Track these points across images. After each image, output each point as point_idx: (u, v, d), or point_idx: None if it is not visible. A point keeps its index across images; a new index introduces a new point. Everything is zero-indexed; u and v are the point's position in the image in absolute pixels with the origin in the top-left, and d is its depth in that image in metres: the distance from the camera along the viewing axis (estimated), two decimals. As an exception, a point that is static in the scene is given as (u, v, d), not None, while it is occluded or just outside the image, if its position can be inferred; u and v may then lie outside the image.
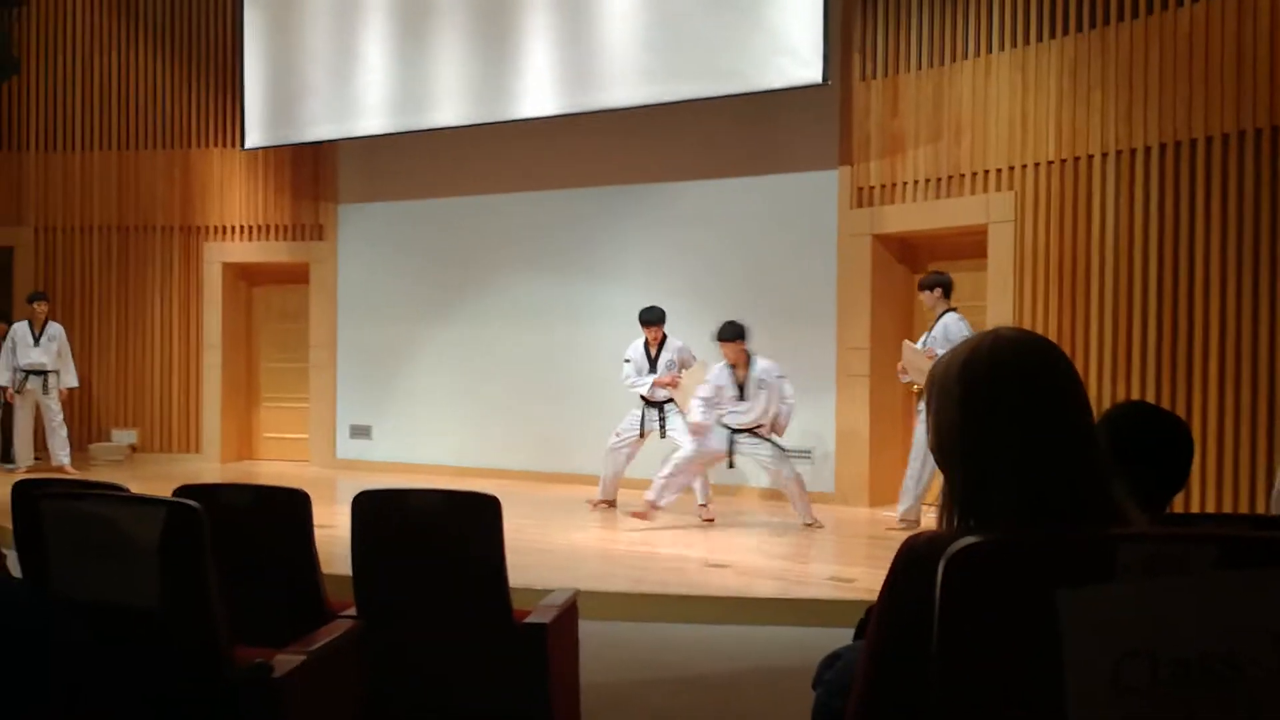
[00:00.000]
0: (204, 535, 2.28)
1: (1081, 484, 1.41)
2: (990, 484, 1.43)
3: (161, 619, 2.29)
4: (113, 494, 2.44)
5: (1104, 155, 6.87)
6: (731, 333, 7.02)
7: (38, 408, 9.68)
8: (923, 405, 6.91)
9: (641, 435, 7.66)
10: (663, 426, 7.59)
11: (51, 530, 2.33)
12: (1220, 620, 1.35)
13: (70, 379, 9.71)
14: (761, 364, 7.02)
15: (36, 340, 9.55)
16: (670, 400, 7.62)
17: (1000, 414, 1.43)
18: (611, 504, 7.86)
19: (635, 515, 7.13)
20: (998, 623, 1.34)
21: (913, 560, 1.42)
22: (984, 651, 1.34)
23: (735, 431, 7.01)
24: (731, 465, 7.13)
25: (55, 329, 9.66)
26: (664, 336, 7.71)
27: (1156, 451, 1.87)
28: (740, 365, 7.06)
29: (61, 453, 9.61)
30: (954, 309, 7.02)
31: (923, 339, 7.05)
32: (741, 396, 7.02)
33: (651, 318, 7.67)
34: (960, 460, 1.46)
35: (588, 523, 7.40)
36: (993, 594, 1.33)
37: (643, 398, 7.63)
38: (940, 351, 6.73)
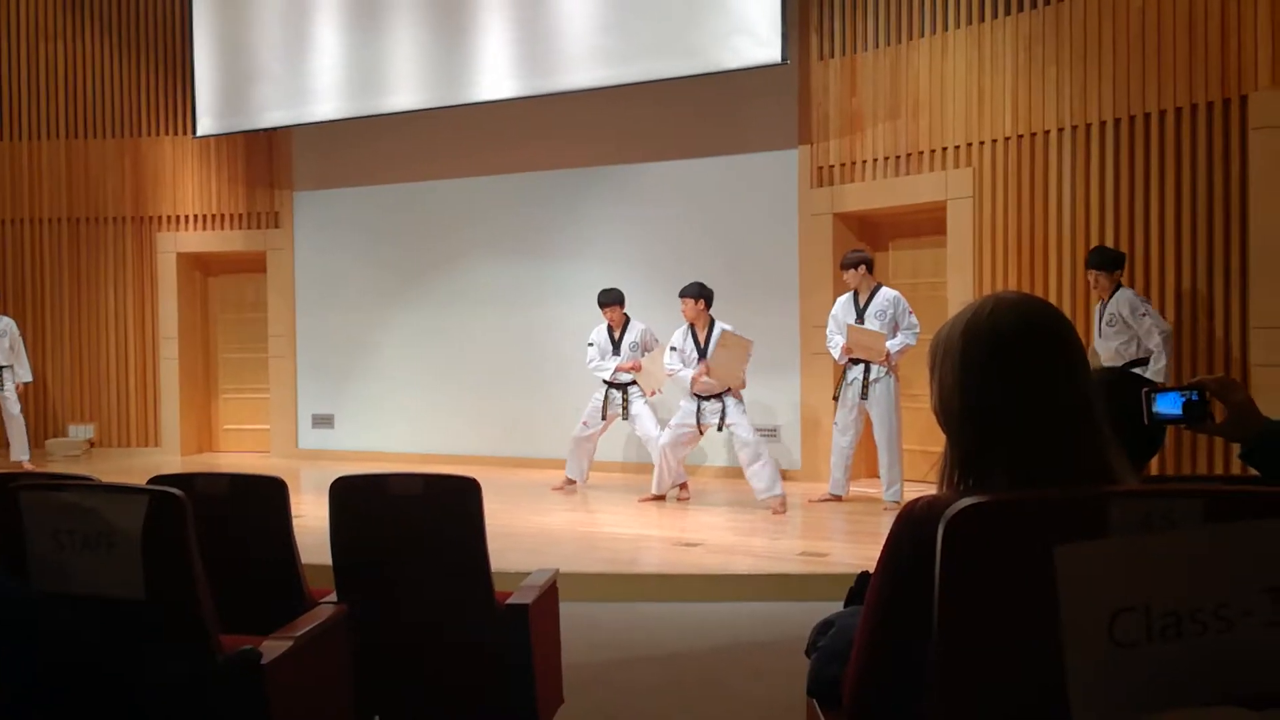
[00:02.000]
0: (188, 523, 2.26)
1: (1078, 445, 1.44)
2: (989, 445, 1.46)
3: (147, 608, 2.27)
4: (92, 484, 2.41)
5: (1060, 130, 6.96)
6: (693, 290, 7.09)
7: None
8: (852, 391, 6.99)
9: (604, 418, 7.68)
10: (625, 409, 7.61)
11: (31, 522, 2.30)
12: (1210, 573, 1.39)
13: (24, 374, 9.53)
14: (720, 325, 7.08)
15: None
16: (633, 383, 7.64)
17: (1000, 375, 1.45)
18: (574, 485, 7.91)
19: (645, 500, 7.39)
20: (997, 581, 1.36)
21: (911, 523, 1.45)
22: (984, 610, 1.37)
23: (702, 399, 7.06)
24: (721, 428, 7.10)
25: (5, 323, 9.46)
26: (626, 319, 7.71)
27: (1136, 414, 1.91)
28: (700, 326, 7.15)
29: (20, 450, 9.43)
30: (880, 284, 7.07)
31: (865, 319, 7.00)
32: (702, 357, 7.07)
33: (609, 299, 7.66)
34: (961, 421, 1.49)
35: (555, 506, 7.41)
36: (992, 553, 1.36)
37: (605, 381, 7.64)
38: (883, 328, 6.81)
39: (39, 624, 2.19)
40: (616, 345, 7.65)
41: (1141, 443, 1.95)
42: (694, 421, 7.13)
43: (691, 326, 7.21)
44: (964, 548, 1.35)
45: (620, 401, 7.61)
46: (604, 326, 7.74)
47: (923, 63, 7.60)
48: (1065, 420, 1.45)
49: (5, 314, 9.64)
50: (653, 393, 7.50)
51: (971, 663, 1.37)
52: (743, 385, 7.06)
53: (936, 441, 1.58)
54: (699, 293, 7.10)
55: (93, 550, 2.26)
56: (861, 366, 6.93)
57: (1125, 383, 2.00)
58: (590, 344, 7.75)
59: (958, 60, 7.43)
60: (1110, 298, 6.28)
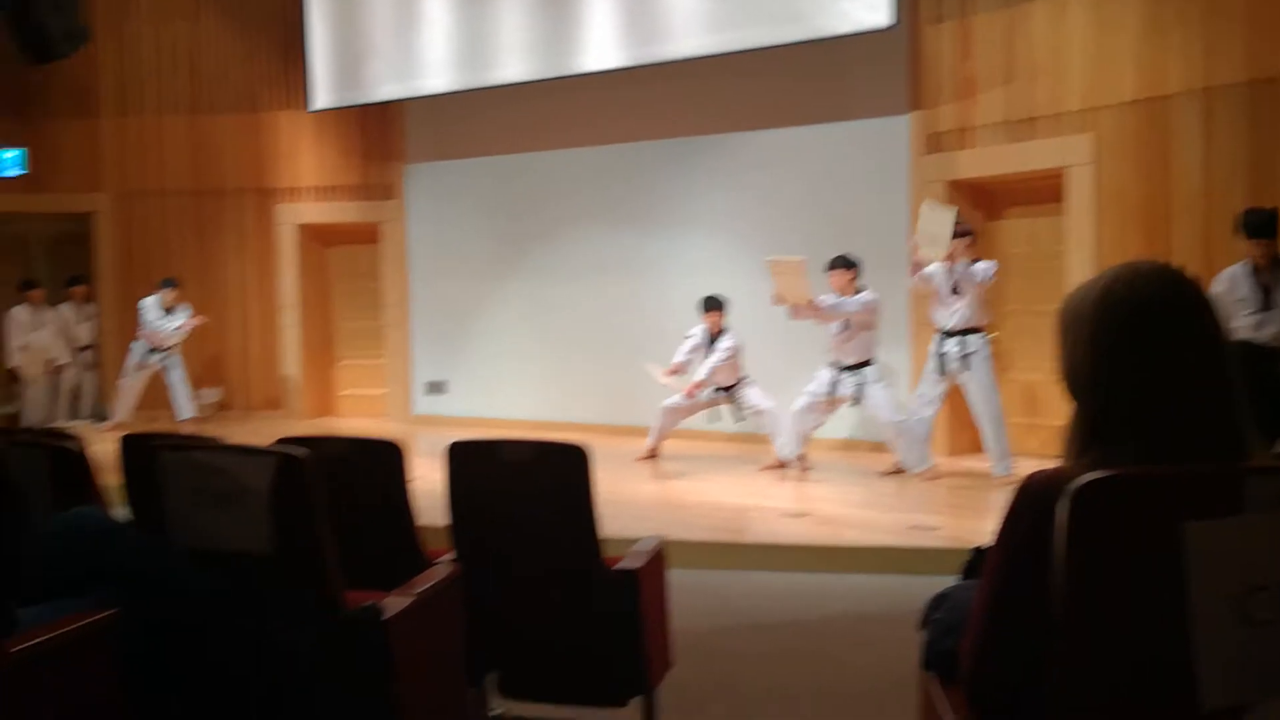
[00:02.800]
0: (314, 482, 2.35)
1: (1213, 418, 1.40)
2: (1120, 414, 1.43)
3: (275, 564, 2.37)
4: (223, 445, 2.52)
5: (1186, 93, 6.66)
6: (841, 262, 7.13)
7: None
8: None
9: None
10: (734, 410, 7.74)
11: (169, 480, 2.42)
12: (1351, 553, 1.34)
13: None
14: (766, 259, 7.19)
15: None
16: (734, 386, 7.70)
17: (1136, 343, 1.42)
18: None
19: (767, 469, 7.42)
20: (1122, 557, 1.34)
21: (1032, 497, 1.43)
22: (1107, 586, 1.34)
23: (840, 370, 7.09)
24: (856, 403, 7.10)
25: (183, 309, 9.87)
26: (722, 328, 7.70)
27: (1270, 387, 1.84)
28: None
29: (187, 408, 9.83)
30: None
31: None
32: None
33: (710, 305, 7.74)
34: (1091, 389, 1.46)
35: (661, 475, 7.46)
36: (1117, 528, 1.34)
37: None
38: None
39: (175, 577, 2.32)
40: (711, 348, 7.67)
41: (1274, 417, 1.88)
42: (828, 391, 7.09)
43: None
44: (1089, 523, 1.33)
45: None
46: (704, 328, 7.79)
47: (1040, 24, 7.34)
48: (1201, 392, 1.40)
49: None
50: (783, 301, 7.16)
51: (1094, 639, 1.35)
52: (809, 302, 6.91)
53: (1035, 414, 1.55)
54: (846, 264, 7.09)
55: (224, 508, 2.37)
56: (956, 340, 6.79)
57: (1257, 355, 1.93)
58: (689, 336, 7.82)
59: (1077, 20, 7.15)
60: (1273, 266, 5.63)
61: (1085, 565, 1.33)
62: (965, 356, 6.76)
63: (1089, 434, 1.46)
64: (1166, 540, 1.32)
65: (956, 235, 6.70)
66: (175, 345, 9.81)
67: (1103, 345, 1.44)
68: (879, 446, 7.53)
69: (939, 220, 6.63)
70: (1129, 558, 1.34)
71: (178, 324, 9.65)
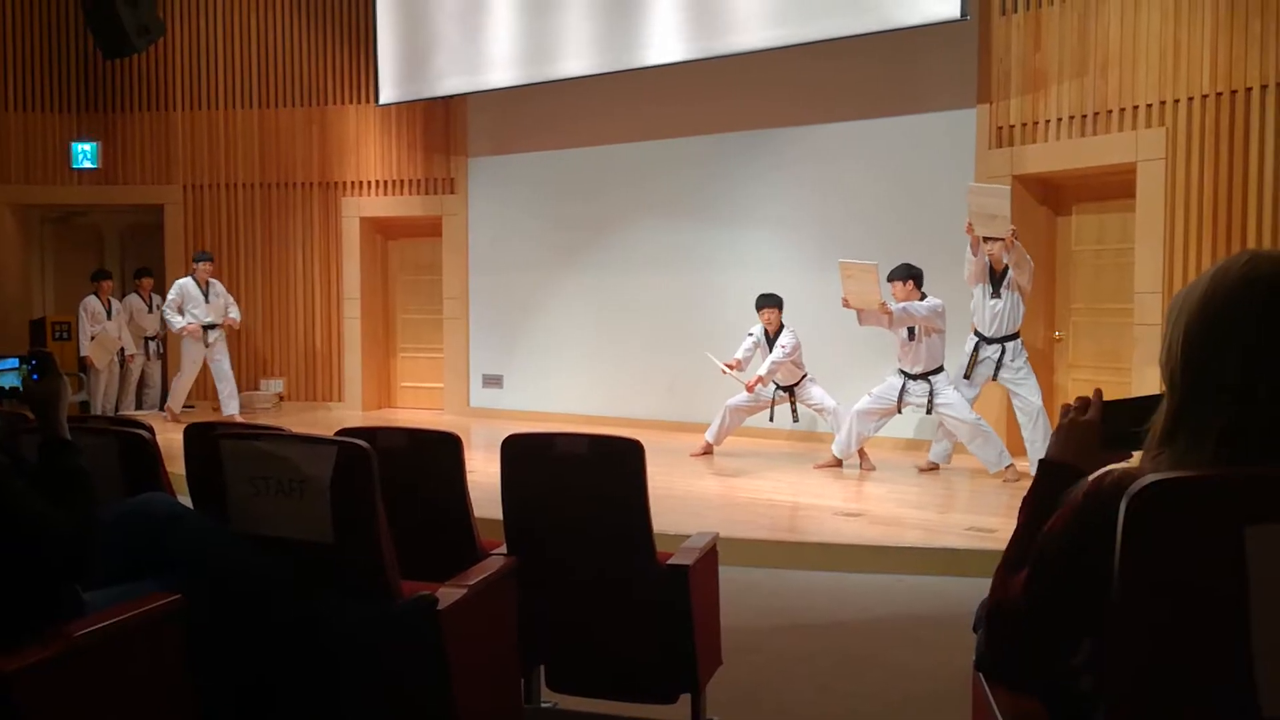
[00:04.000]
0: (373, 473, 2.38)
1: None
2: (1208, 407, 1.39)
3: (334, 552, 2.41)
4: (285, 435, 2.57)
5: (1264, 88, 6.48)
6: (901, 272, 7.12)
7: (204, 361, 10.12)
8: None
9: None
10: (794, 409, 7.75)
11: (230, 468, 2.47)
12: None
13: (235, 313, 10.14)
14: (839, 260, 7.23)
15: (206, 298, 9.96)
16: (796, 384, 7.72)
17: (1236, 334, 1.37)
18: (709, 451, 8.02)
19: (821, 467, 7.39)
20: (1180, 560, 1.31)
21: (1100, 498, 1.39)
22: (1164, 589, 1.31)
23: (909, 378, 7.06)
24: (929, 411, 7.09)
25: (218, 286, 10.08)
26: (781, 325, 7.67)
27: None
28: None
29: (230, 402, 10.05)
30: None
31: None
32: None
33: (766, 302, 7.71)
34: (1182, 377, 1.42)
35: (716, 471, 7.45)
36: (1176, 531, 1.30)
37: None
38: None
39: (239, 562, 2.37)
40: (770, 346, 7.63)
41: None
42: (895, 398, 7.07)
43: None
44: (1146, 525, 1.30)
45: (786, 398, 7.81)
46: (761, 327, 7.78)
47: (1113, 16, 7.18)
48: None
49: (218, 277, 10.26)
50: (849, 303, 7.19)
51: (1149, 643, 1.32)
52: (881, 305, 6.94)
53: None
54: (907, 274, 7.05)
55: (286, 496, 2.42)
56: (997, 346, 6.90)
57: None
58: (750, 334, 7.80)
59: (1152, 12, 6.98)
60: None
61: (1140, 568, 1.31)
62: (1005, 364, 6.91)
63: (1174, 422, 1.42)
64: (1227, 544, 1.29)
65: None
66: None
67: (1203, 331, 1.40)
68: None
69: (992, 198, 6.64)
70: (1188, 561, 1.31)
71: (181, 324, 9.80)
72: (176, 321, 9.83)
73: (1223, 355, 1.38)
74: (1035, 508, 1.56)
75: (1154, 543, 1.30)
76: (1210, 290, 1.41)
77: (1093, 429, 1.65)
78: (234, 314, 10.12)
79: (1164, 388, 1.47)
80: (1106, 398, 1.68)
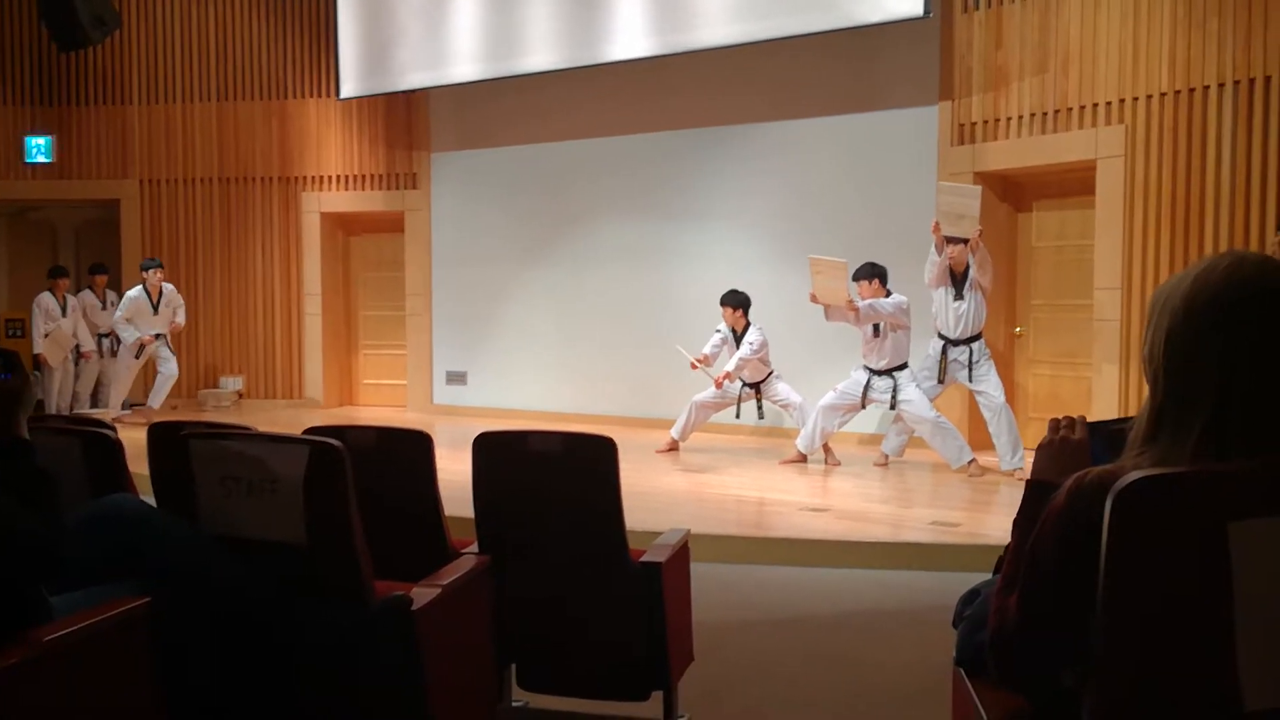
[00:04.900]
0: (346, 473, 2.35)
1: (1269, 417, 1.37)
2: (1191, 403, 1.40)
3: (307, 553, 2.38)
4: (256, 434, 2.53)
5: (1220, 86, 6.58)
6: (731, 300, 7.54)
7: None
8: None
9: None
10: (759, 405, 7.77)
11: (200, 468, 2.43)
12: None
13: (181, 317, 9.94)
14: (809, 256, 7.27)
15: (155, 308, 9.75)
16: (762, 381, 7.74)
17: (1218, 331, 1.39)
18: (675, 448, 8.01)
19: (786, 463, 7.40)
20: (1165, 556, 1.32)
21: (1082, 496, 1.40)
22: (1150, 585, 1.33)
23: (873, 374, 7.11)
24: (893, 407, 7.11)
25: (169, 291, 9.88)
26: (746, 324, 7.67)
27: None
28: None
29: (157, 397, 9.85)
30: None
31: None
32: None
33: (732, 301, 7.73)
34: (1165, 374, 1.43)
35: (683, 468, 7.45)
36: (1161, 527, 1.32)
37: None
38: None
39: (209, 564, 2.33)
40: (738, 344, 7.64)
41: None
42: (859, 393, 7.11)
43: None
44: (1132, 521, 1.31)
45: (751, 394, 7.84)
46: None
47: (1074, 14, 7.26)
48: (1264, 390, 1.37)
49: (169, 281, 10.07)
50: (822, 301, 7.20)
51: (1136, 639, 1.34)
52: (849, 302, 6.97)
53: (1055, 412, 1.51)
54: (872, 273, 7.10)
55: (257, 496, 2.38)
56: (964, 348, 6.96)
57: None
58: (718, 330, 7.81)
59: (1111, 11, 7.07)
60: None
61: (1126, 565, 1.32)
62: (973, 364, 6.95)
63: (1157, 418, 1.44)
64: (1211, 540, 1.30)
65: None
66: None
67: (1186, 327, 1.41)
68: (913, 443, 7.46)
69: (963, 198, 6.69)
70: (1172, 557, 1.32)
71: (134, 336, 9.61)
72: (130, 335, 9.65)
73: (1205, 355, 1.40)
74: (1027, 528, 1.56)
75: (1139, 539, 1.31)
76: (1193, 290, 1.42)
77: (1083, 449, 1.65)
78: (180, 318, 9.90)
79: (1147, 378, 1.48)
80: (1060, 395, 1.70)
